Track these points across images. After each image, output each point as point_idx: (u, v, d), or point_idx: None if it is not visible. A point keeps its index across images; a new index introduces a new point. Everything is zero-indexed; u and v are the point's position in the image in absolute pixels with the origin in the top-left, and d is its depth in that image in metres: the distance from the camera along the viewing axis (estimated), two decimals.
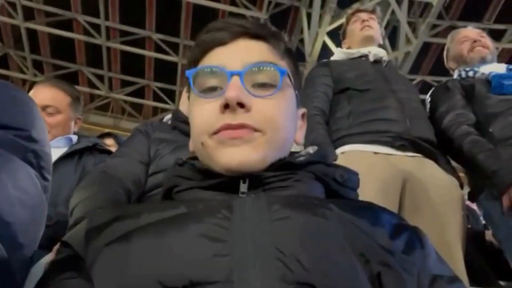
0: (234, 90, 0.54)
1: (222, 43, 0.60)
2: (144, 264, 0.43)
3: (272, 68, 0.58)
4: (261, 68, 0.58)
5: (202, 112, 0.58)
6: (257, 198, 0.50)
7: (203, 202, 0.51)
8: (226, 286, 0.40)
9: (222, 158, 0.54)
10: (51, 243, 0.85)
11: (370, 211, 0.53)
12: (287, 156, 0.59)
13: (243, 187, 0.53)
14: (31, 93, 1.51)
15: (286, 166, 0.57)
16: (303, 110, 0.68)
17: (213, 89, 0.58)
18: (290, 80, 0.62)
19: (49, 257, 0.82)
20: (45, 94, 1.49)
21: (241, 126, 0.54)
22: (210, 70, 0.58)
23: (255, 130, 0.55)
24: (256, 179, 0.54)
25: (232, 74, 0.56)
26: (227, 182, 0.54)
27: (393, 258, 0.46)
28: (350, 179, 0.60)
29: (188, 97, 0.65)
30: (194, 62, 0.62)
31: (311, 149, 0.63)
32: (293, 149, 0.63)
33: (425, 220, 1.29)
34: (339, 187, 0.59)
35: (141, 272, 0.43)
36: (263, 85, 0.57)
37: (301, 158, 0.60)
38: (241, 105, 0.54)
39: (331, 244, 0.45)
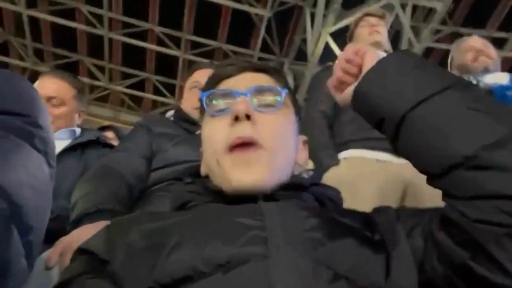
0: (242, 104, 0.63)
1: (230, 75, 0.71)
2: (187, 247, 0.49)
3: (274, 89, 0.69)
4: (265, 89, 0.68)
5: (215, 128, 0.66)
6: (280, 204, 0.58)
7: (231, 207, 0.58)
8: (263, 260, 0.47)
9: (236, 176, 0.61)
10: (52, 237, 0.85)
11: (358, 215, 0.63)
12: (290, 177, 0.68)
13: (259, 196, 0.61)
14: (35, 84, 1.50)
15: (293, 187, 0.65)
16: (304, 138, 0.78)
17: (223, 110, 0.67)
18: (291, 104, 0.72)
19: (49, 252, 0.82)
20: (50, 85, 1.48)
21: (250, 140, 0.62)
22: (221, 92, 0.69)
23: (261, 147, 0.63)
24: (269, 197, 0.61)
25: (240, 94, 0.66)
26: (243, 198, 0.60)
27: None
28: (336, 196, 0.71)
29: (201, 122, 0.74)
30: (207, 90, 0.72)
31: (305, 174, 0.70)
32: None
33: None
34: (331, 204, 0.69)
35: (184, 255, 0.48)
36: (267, 105, 0.67)
37: (304, 181, 0.69)
38: (248, 117, 0.63)
39: (343, 235, 0.53)
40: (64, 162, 1.31)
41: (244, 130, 0.63)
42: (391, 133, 0.55)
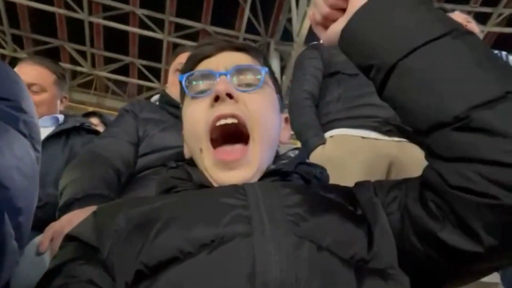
0: (222, 84, 0.63)
1: (209, 55, 0.70)
2: (172, 230, 0.49)
3: (254, 68, 0.68)
4: (245, 68, 0.67)
5: (195, 110, 0.65)
6: (263, 183, 0.59)
7: (215, 188, 0.59)
8: (247, 238, 0.48)
9: (219, 177, 0.61)
10: (42, 224, 0.85)
11: (342, 189, 0.62)
12: (275, 156, 0.69)
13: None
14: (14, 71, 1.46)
15: (277, 173, 0.65)
16: (285, 115, 0.77)
17: (203, 91, 0.66)
18: (272, 82, 0.71)
19: (40, 238, 0.82)
20: (29, 72, 1.45)
21: (231, 116, 0.62)
22: (200, 73, 0.68)
23: (245, 132, 0.63)
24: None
25: (220, 74, 0.65)
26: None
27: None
28: (322, 173, 0.71)
29: (182, 104, 0.73)
30: (187, 71, 0.71)
31: (291, 153, 0.70)
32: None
33: None
34: (317, 181, 0.69)
35: (170, 237, 0.48)
36: (248, 84, 0.66)
37: (286, 161, 0.69)
38: (230, 96, 0.62)
39: (326, 210, 0.54)
40: (49, 150, 1.29)
41: (225, 108, 0.62)
42: (379, 80, 0.52)
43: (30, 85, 1.42)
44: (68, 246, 0.55)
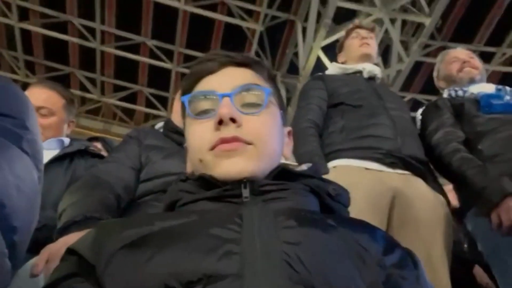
0: (226, 107, 0.61)
1: (211, 71, 0.68)
2: (159, 261, 0.47)
3: (257, 89, 0.66)
4: (248, 89, 0.65)
5: (198, 132, 0.64)
6: (264, 209, 0.54)
7: (212, 212, 0.56)
8: (237, 280, 0.44)
9: (221, 169, 0.59)
10: (38, 247, 0.84)
11: (366, 227, 0.57)
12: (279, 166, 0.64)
13: (245, 192, 0.57)
14: (25, 93, 1.49)
15: (282, 175, 0.62)
16: (288, 128, 0.75)
17: (206, 111, 0.64)
18: (275, 99, 0.70)
19: (34, 260, 0.81)
20: (39, 95, 1.47)
21: (235, 139, 0.60)
22: (203, 94, 0.66)
23: (247, 143, 0.61)
24: (256, 186, 0.58)
25: (223, 96, 0.63)
26: (230, 189, 0.58)
27: (383, 273, 0.50)
28: (341, 195, 0.65)
29: (184, 123, 0.72)
30: (188, 89, 0.70)
31: (305, 166, 0.68)
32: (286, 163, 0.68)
33: (412, 236, 1.30)
34: (332, 202, 0.63)
35: (157, 269, 0.46)
36: (251, 104, 0.65)
37: (297, 169, 0.65)
38: (233, 120, 0.61)
39: (332, 253, 0.48)
40: (52, 172, 1.30)
41: (228, 132, 0.61)
42: None
43: (39, 108, 1.44)
44: (68, 260, 0.54)
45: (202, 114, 0.65)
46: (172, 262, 0.46)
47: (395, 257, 0.53)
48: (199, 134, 0.64)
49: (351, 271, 0.47)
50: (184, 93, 0.70)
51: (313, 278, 0.45)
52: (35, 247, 0.82)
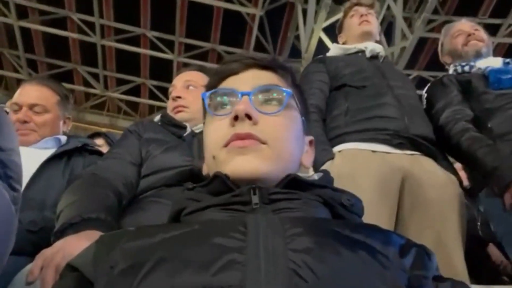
0: (243, 104, 0.61)
1: (235, 72, 0.68)
2: (158, 275, 0.45)
3: (278, 89, 0.65)
4: (268, 89, 0.65)
5: (215, 128, 0.64)
6: (270, 217, 0.52)
7: (216, 221, 0.54)
8: None
9: (232, 166, 0.59)
10: (36, 250, 0.81)
11: (380, 232, 0.55)
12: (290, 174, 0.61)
13: (255, 198, 0.55)
14: (18, 91, 1.46)
15: (293, 184, 0.59)
16: (310, 138, 0.73)
17: (225, 110, 0.65)
18: (296, 104, 0.68)
19: (29, 267, 0.78)
20: (32, 93, 1.44)
21: (249, 136, 0.60)
22: (223, 91, 0.67)
23: (262, 142, 0.60)
24: (266, 193, 0.56)
25: (242, 94, 0.63)
26: (239, 195, 0.56)
27: (405, 275, 0.48)
28: (355, 204, 0.62)
29: (204, 122, 0.72)
30: (210, 88, 0.70)
31: (316, 176, 0.67)
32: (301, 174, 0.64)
33: (424, 218, 1.27)
34: (345, 212, 0.60)
35: (155, 284, 0.44)
36: (269, 105, 0.64)
37: (308, 178, 0.63)
38: (249, 117, 0.61)
39: (346, 260, 0.46)
40: (49, 172, 1.27)
41: (243, 128, 0.60)
42: None
43: (32, 106, 1.42)
44: (68, 277, 0.53)
45: (221, 111, 0.65)
46: (171, 275, 0.44)
47: (413, 257, 0.52)
48: (215, 130, 0.64)
49: (368, 278, 0.45)
50: (206, 91, 0.70)
51: (323, 285, 0.42)
52: (33, 250, 0.80)
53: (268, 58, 0.71)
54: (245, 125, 0.60)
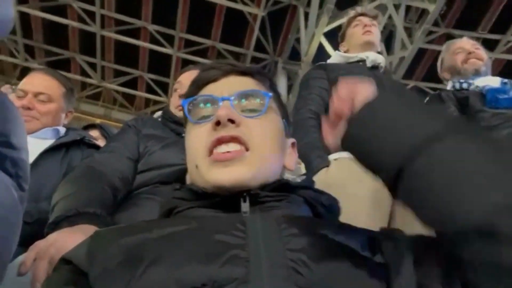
0: (224, 109, 0.61)
1: (214, 79, 0.69)
2: (158, 269, 0.46)
3: (257, 93, 0.66)
4: (248, 94, 0.65)
5: (196, 135, 0.64)
6: (266, 217, 0.54)
7: (212, 219, 0.56)
8: (243, 285, 0.44)
9: (214, 176, 0.58)
10: (30, 241, 0.81)
11: (355, 230, 0.57)
12: (279, 179, 0.63)
13: (244, 206, 0.57)
14: (25, 79, 1.48)
15: (280, 187, 0.61)
16: (292, 140, 0.73)
17: (206, 117, 0.64)
18: (277, 107, 0.70)
19: (22, 257, 0.78)
20: (39, 81, 1.46)
21: (233, 138, 0.60)
22: (203, 98, 0.66)
23: (245, 147, 0.60)
24: (253, 197, 0.58)
25: (223, 99, 0.63)
26: (228, 200, 0.57)
27: (380, 268, 0.49)
28: (333, 205, 0.66)
29: (185, 128, 0.71)
30: (190, 95, 0.69)
31: (298, 178, 0.67)
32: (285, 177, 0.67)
33: (417, 229, 1.28)
34: (323, 211, 0.64)
35: (156, 277, 0.45)
36: (251, 109, 0.65)
37: (292, 182, 0.64)
38: (231, 121, 0.61)
39: (335, 257, 0.49)
40: (47, 163, 1.26)
41: (226, 132, 0.60)
42: (389, 185, 0.49)
43: (38, 94, 1.44)
44: (62, 269, 0.53)
45: (202, 119, 0.65)
46: (173, 268, 0.46)
47: (390, 245, 0.52)
48: (197, 137, 0.63)
49: (356, 277, 0.47)
50: (186, 99, 0.70)
51: (320, 283, 0.46)
52: (26, 241, 0.80)
53: (246, 65, 0.72)
54: (228, 129, 0.60)
